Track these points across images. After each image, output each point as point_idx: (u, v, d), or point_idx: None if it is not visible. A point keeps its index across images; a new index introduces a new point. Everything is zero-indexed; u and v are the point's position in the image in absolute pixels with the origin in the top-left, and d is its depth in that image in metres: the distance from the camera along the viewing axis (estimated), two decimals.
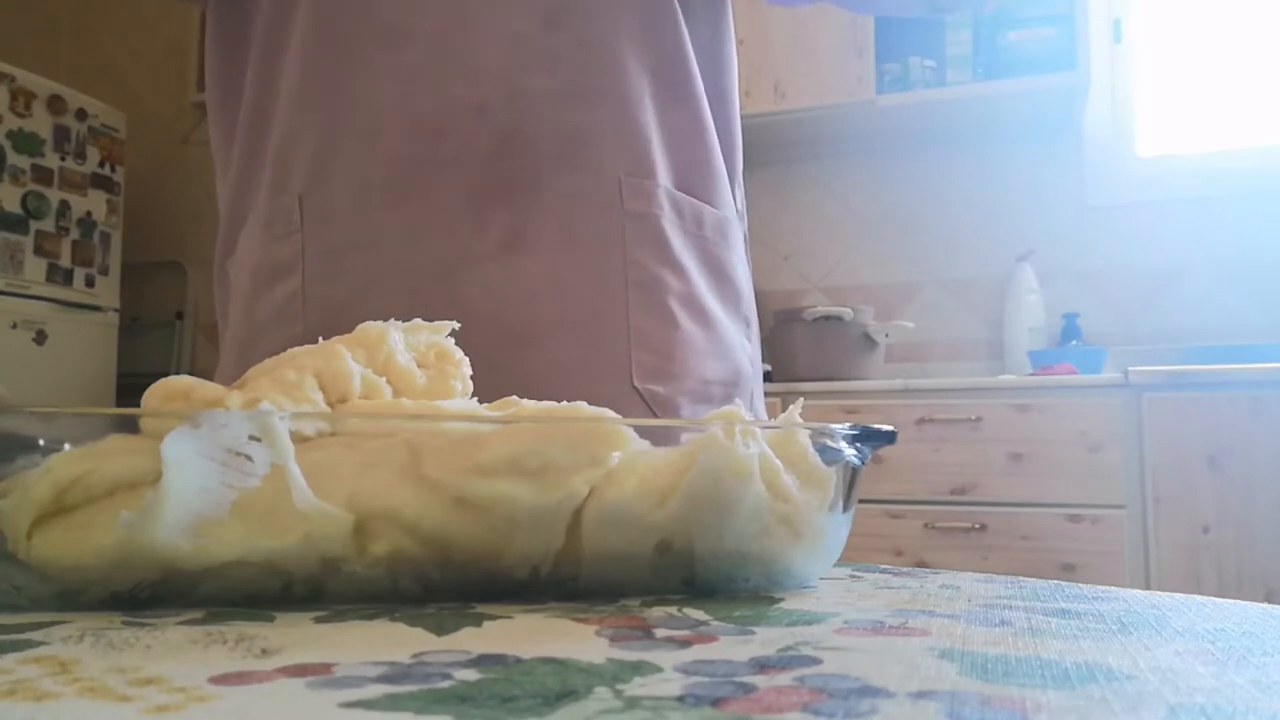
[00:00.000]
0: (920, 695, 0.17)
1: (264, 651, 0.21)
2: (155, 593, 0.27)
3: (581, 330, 0.57)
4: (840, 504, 0.31)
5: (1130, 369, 1.78)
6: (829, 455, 0.31)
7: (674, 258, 0.61)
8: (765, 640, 0.23)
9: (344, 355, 0.34)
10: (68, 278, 2.61)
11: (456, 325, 0.39)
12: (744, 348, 0.66)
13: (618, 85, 0.59)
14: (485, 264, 0.56)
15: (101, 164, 2.72)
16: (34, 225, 2.51)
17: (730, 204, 0.67)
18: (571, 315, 0.57)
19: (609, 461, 0.29)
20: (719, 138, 0.66)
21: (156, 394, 0.31)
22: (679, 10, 0.63)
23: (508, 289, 0.56)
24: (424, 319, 0.38)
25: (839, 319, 2.07)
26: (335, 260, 0.58)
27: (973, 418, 1.87)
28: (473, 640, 0.22)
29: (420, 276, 0.56)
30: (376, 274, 0.57)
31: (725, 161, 0.67)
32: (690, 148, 0.64)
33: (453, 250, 0.56)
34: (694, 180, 0.64)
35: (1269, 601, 1.59)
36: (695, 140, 0.64)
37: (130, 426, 0.30)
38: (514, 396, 0.35)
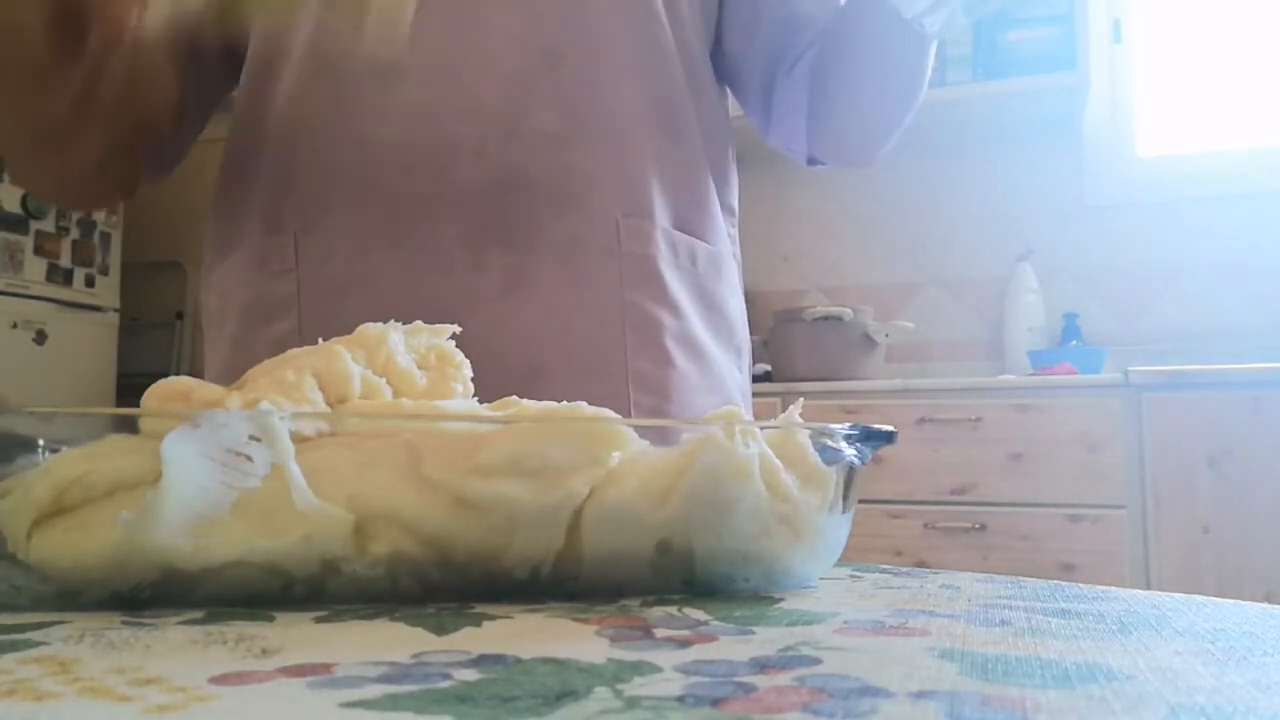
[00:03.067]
0: (920, 695, 0.17)
1: (264, 651, 0.21)
2: (155, 593, 0.27)
3: (582, 372, 0.57)
4: (840, 504, 0.31)
5: (1130, 369, 1.78)
6: (829, 455, 0.31)
7: (670, 297, 0.61)
8: (765, 640, 0.23)
9: (344, 356, 0.34)
10: (68, 278, 2.61)
11: (457, 329, 0.39)
12: (735, 379, 0.67)
13: (617, 125, 0.59)
14: (486, 305, 0.56)
15: None
16: (34, 225, 2.51)
17: (724, 238, 0.68)
18: (572, 357, 0.57)
19: (609, 461, 0.29)
20: (713, 171, 0.66)
21: (156, 394, 0.31)
22: (676, 47, 0.63)
23: (509, 330, 0.56)
24: None
25: (839, 319, 2.07)
26: (332, 301, 0.57)
27: (972, 418, 1.87)
28: (473, 640, 0.22)
29: (419, 318, 0.56)
30: (374, 315, 0.56)
31: (719, 194, 0.67)
32: (687, 186, 0.63)
33: (452, 291, 0.56)
34: (689, 218, 0.64)
35: (1269, 601, 1.59)
36: (692, 178, 0.64)
37: (130, 426, 0.30)
38: (514, 396, 0.35)
